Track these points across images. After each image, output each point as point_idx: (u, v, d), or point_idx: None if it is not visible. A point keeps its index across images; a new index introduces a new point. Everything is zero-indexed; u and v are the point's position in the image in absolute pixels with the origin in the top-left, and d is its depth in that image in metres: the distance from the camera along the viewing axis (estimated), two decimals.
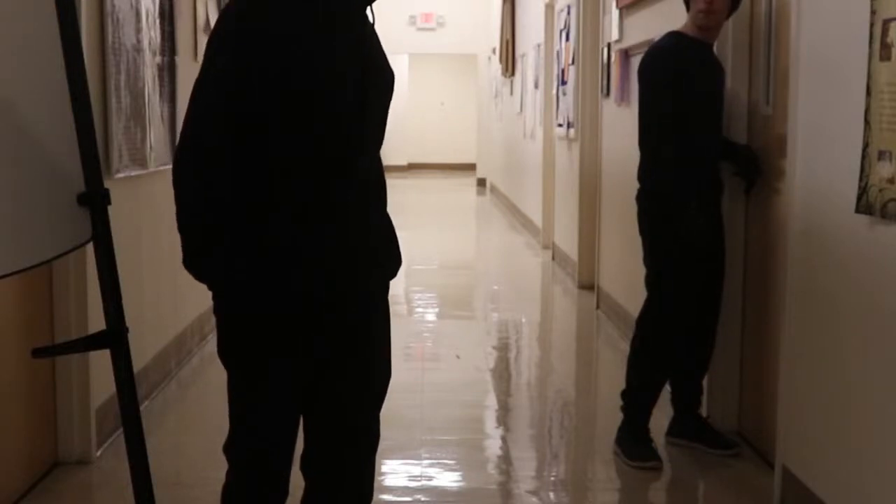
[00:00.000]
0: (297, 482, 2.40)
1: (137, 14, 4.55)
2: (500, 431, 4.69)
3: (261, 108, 2.16)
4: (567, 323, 7.32)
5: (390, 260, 2.39)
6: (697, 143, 3.97)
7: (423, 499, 3.76)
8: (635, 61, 5.96)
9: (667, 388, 4.22)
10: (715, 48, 4.13)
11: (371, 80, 2.28)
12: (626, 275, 6.11)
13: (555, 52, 9.49)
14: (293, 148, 2.19)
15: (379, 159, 2.39)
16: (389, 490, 3.84)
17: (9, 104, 1.95)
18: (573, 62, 8.17)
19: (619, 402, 4.16)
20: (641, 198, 4.13)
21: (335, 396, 2.33)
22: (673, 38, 4.09)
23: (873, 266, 2.94)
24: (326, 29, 2.21)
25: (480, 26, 17.91)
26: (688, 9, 4.04)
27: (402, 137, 22.47)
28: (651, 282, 4.09)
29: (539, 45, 10.73)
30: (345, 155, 2.23)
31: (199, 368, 5.49)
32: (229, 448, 2.34)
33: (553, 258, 9.59)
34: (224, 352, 2.28)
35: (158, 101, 4.89)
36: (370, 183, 2.32)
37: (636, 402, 4.09)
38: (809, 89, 3.43)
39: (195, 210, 2.21)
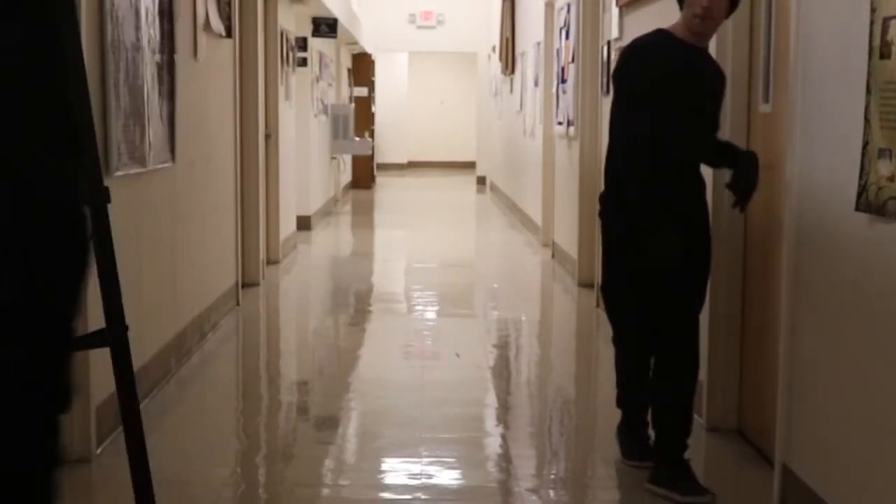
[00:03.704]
0: None
1: (137, 12, 4.54)
2: (499, 429, 4.69)
3: None
4: (567, 321, 7.32)
5: None
6: (673, 154, 3.63)
7: (422, 497, 3.76)
8: None
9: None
10: (714, 51, 3.92)
11: None
12: None
13: (554, 50, 9.48)
14: None
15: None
16: (389, 488, 3.84)
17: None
18: (573, 60, 8.16)
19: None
20: (607, 213, 3.85)
21: None
22: (658, 36, 3.73)
23: (873, 264, 2.94)
24: None
25: (480, 24, 17.91)
26: (681, 7, 3.68)
27: (401, 135, 22.52)
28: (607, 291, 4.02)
29: (539, 43, 10.73)
30: None
31: (199, 367, 5.49)
32: None
33: (553, 256, 9.59)
34: None
35: (157, 100, 4.89)
36: None
37: (628, 400, 4.07)
38: (809, 87, 3.43)
39: None
